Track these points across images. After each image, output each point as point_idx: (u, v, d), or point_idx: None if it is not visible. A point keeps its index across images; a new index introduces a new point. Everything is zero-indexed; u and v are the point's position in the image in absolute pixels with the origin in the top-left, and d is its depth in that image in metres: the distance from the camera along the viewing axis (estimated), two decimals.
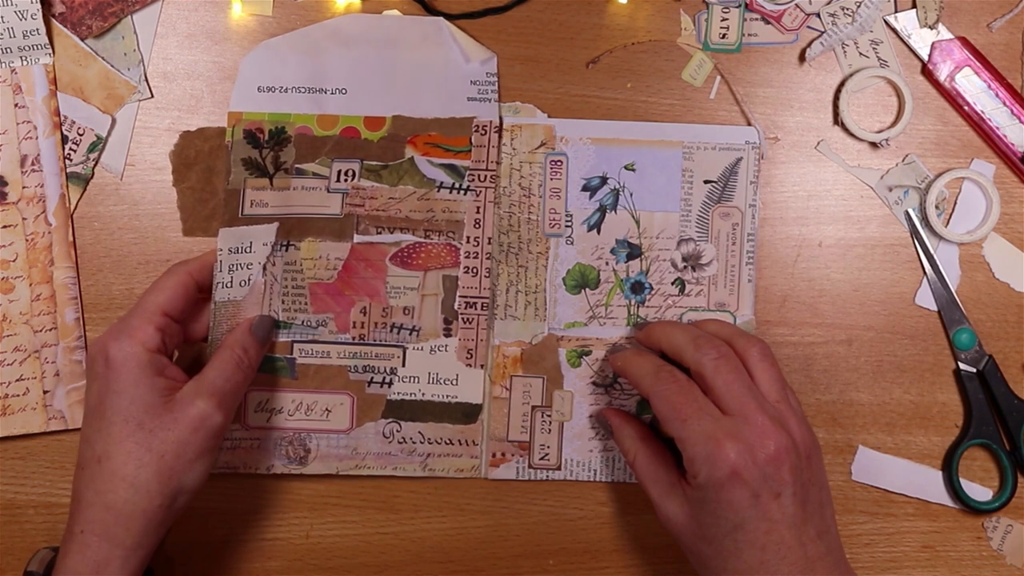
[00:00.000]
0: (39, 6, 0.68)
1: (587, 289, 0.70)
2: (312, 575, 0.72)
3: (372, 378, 0.68)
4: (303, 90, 0.68)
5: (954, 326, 0.71)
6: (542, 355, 0.70)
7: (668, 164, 0.70)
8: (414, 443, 0.68)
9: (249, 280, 0.67)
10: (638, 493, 0.71)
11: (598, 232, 0.70)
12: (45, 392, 0.70)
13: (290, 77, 0.68)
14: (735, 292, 0.70)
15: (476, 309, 0.68)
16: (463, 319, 0.68)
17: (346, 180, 0.67)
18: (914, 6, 0.71)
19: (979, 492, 0.71)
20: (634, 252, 0.70)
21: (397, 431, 0.68)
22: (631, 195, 0.70)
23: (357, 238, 0.68)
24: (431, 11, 0.70)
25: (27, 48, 0.69)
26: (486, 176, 0.68)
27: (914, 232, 0.71)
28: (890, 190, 0.71)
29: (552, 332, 0.70)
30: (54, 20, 0.69)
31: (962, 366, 0.71)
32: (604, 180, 0.70)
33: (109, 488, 0.59)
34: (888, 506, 0.72)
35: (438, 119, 0.68)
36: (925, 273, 0.71)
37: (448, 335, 0.68)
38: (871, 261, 0.72)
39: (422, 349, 0.68)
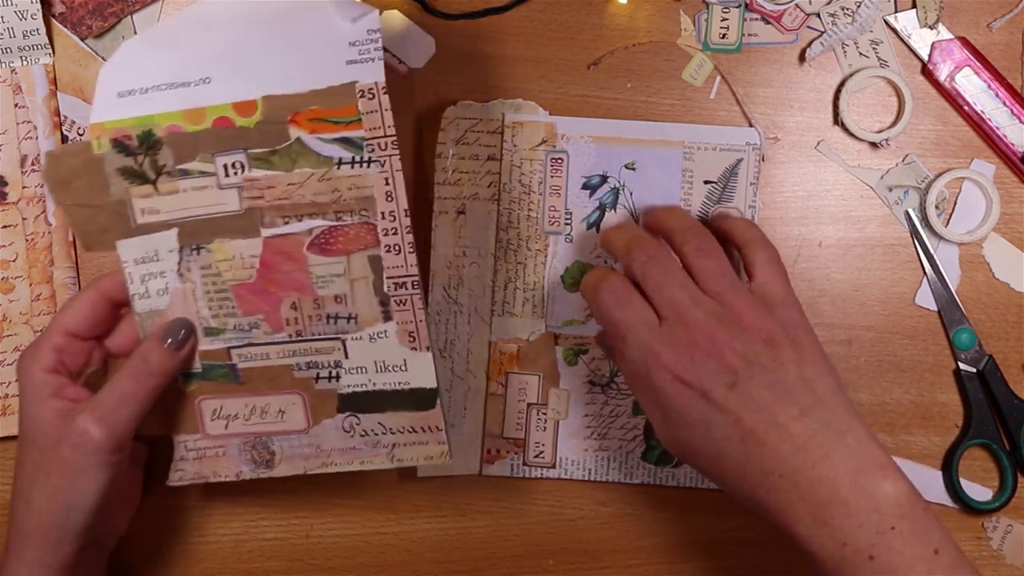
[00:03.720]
0: (39, 6, 0.68)
1: None
2: (312, 575, 0.72)
3: (318, 374, 0.64)
4: (165, 87, 0.62)
5: (954, 326, 0.71)
6: (539, 352, 0.70)
7: (668, 164, 0.70)
8: (376, 435, 0.65)
9: (167, 288, 0.63)
10: (637, 493, 0.71)
11: (597, 231, 0.70)
12: None
13: (150, 76, 0.62)
14: None
15: (408, 289, 0.62)
16: (396, 301, 0.62)
17: (235, 173, 0.62)
18: (914, 6, 0.71)
19: (979, 492, 0.71)
20: None
21: (356, 424, 0.64)
22: (631, 194, 0.70)
23: (265, 232, 0.62)
24: (431, 11, 0.70)
25: (27, 48, 0.69)
26: (386, 143, 0.61)
27: (914, 232, 0.71)
28: (890, 190, 0.71)
29: (549, 330, 0.70)
30: (54, 20, 0.69)
31: (962, 366, 0.71)
32: (604, 179, 0.70)
33: (14, 506, 0.61)
34: None
35: (315, 91, 0.61)
36: (925, 273, 0.71)
37: (388, 319, 0.63)
38: (871, 261, 0.72)
39: (362, 338, 0.63)
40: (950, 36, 0.71)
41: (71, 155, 0.63)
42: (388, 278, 0.62)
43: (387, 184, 0.61)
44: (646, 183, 0.70)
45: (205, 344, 0.63)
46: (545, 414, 0.71)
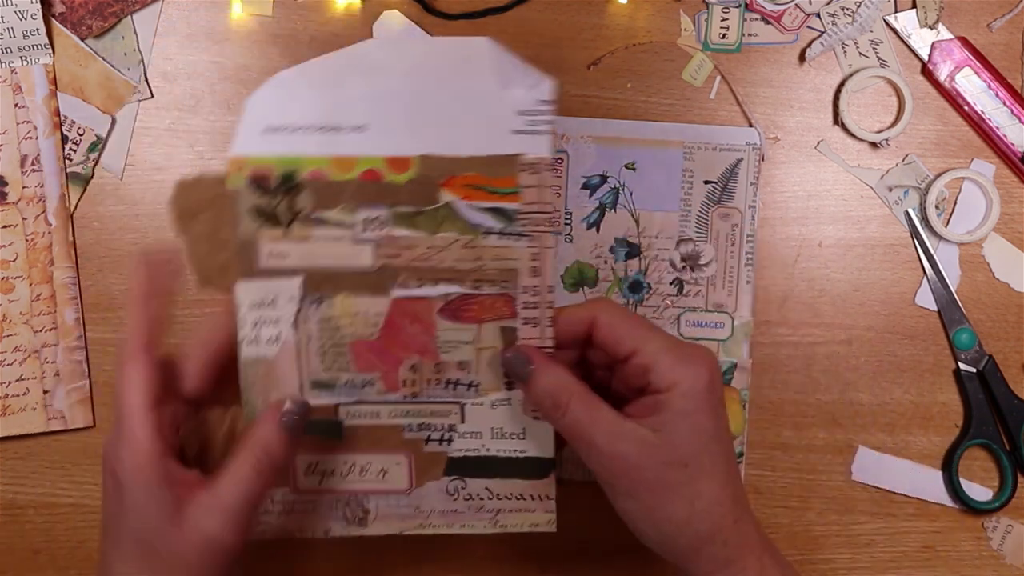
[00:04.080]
0: (39, 6, 0.68)
1: (585, 287, 0.70)
2: (313, 575, 0.72)
3: (429, 436, 0.60)
4: (316, 129, 0.58)
5: (954, 326, 0.71)
6: None
7: (668, 164, 0.70)
8: (482, 499, 0.61)
9: (279, 337, 0.59)
10: None
11: (597, 230, 0.70)
12: (45, 392, 0.70)
13: (301, 114, 0.58)
14: (733, 293, 0.70)
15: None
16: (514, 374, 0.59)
17: (374, 229, 0.58)
18: (914, 6, 0.71)
19: (979, 492, 0.71)
20: (633, 251, 0.70)
21: (462, 488, 0.61)
22: (631, 194, 0.70)
23: (397, 292, 0.59)
24: (431, 11, 0.70)
25: (27, 48, 0.69)
26: (541, 219, 0.57)
27: (914, 232, 0.71)
28: (890, 190, 0.71)
29: None
30: (54, 20, 0.69)
31: (962, 366, 0.71)
32: (604, 179, 0.70)
33: None
34: (888, 506, 0.72)
35: (476, 158, 0.57)
36: (925, 273, 0.71)
37: (511, 388, 0.60)
38: (871, 261, 0.72)
39: (482, 404, 0.60)
40: (950, 36, 0.71)
41: (203, 186, 0.59)
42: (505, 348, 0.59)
43: (534, 260, 0.58)
44: (646, 183, 0.70)
45: (311, 398, 0.60)
46: None
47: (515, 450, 0.61)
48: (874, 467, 0.71)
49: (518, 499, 0.62)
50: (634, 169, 0.70)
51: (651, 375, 0.55)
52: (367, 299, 0.59)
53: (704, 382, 0.54)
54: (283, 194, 0.58)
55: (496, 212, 0.58)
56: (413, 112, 0.58)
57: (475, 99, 0.58)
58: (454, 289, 0.59)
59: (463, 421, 0.61)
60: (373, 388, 0.60)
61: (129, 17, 0.70)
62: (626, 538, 0.72)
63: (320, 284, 0.59)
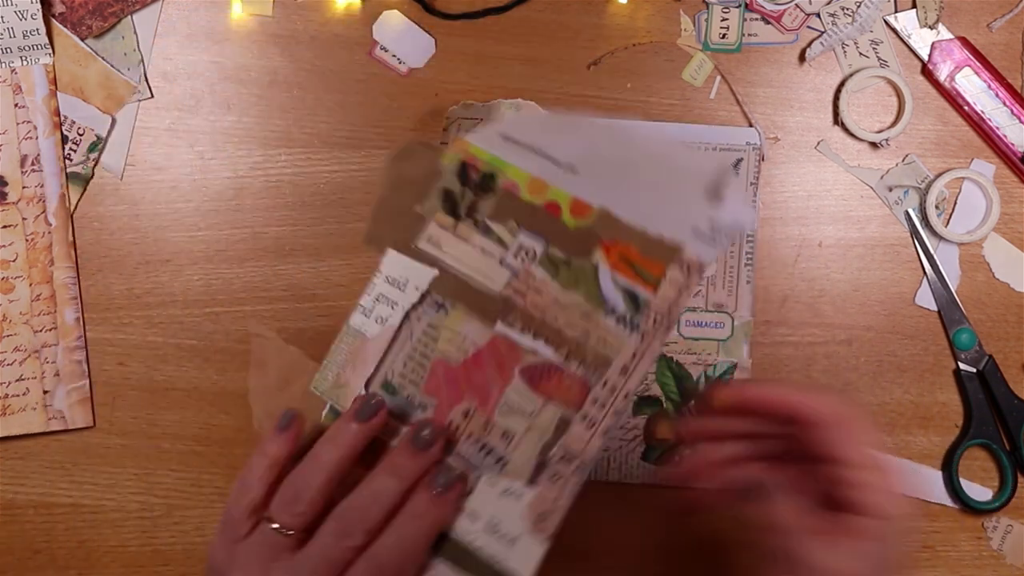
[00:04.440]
0: (39, 6, 0.68)
1: None
2: None
3: (435, 491, 0.55)
4: (538, 152, 0.57)
5: (954, 326, 0.71)
6: None
7: None
8: None
9: (387, 320, 0.57)
10: (637, 493, 0.71)
11: None
12: (45, 392, 0.70)
13: (535, 137, 0.57)
14: (733, 293, 0.70)
15: (570, 466, 0.54)
16: (552, 473, 0.54)
17: (523, 259, 0.56)
18: (914, 6, 0.71)
19: (979, 492, 0.71)
20: None
21: (429, 567, 0.55)
22: None
23: (500, 328, 0.55)
24: (431, 11, 0.70)
25: (27, 48, 0.69)
26: (663, 321, 0.53)
27: (914, 232, 0.71)
28: (890, 190, 0.71)
29: None
30: (54, 20, 0.69)
31: (962, 366, 0.71)
32: None
33: None
34: None
35: (644, 232, 0.53)
36: (925, 273, 0.71)
37: (532, 484, 0.54)
38: (871, 261, 0.72)
39: (496, 485, 0.55)
40: (950, 36, 0.71)
41: (423, 154, 0.59)
42: (562, 445, 0.54)
43: (633, 358, 0.54)
44: None
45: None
46: None
47: (495, 555, 0.54)
48: None
49: None
50: None
51: (855, 493, 0.52)
52: (475, 323, 0.56)
53: (909, 516, 0.52)
54: (475, 189, 0.57)
55: (629, 296, 0.54)
56: (615, 173, 0.56)
57: (677, 193, 0.55)
58: (547, 352, 0.55)
59: (471, 493, 0.55)
60: (425, 414, 0.57)
61: (129, 17, 0.70)
62: (629, 538, 0.72)
63: (449, 289, 0.57)
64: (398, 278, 0.58)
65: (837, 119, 0.71)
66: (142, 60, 0.70)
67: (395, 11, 0.70)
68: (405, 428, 0.56)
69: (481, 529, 0.54)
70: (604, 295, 0.54)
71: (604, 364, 0.54)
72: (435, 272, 0.57)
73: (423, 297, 0.57)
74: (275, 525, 0.53)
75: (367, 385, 0.57)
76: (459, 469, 0.54)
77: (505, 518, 0.54)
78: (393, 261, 0.58)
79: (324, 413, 0.58)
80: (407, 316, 0.57)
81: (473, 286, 0.56)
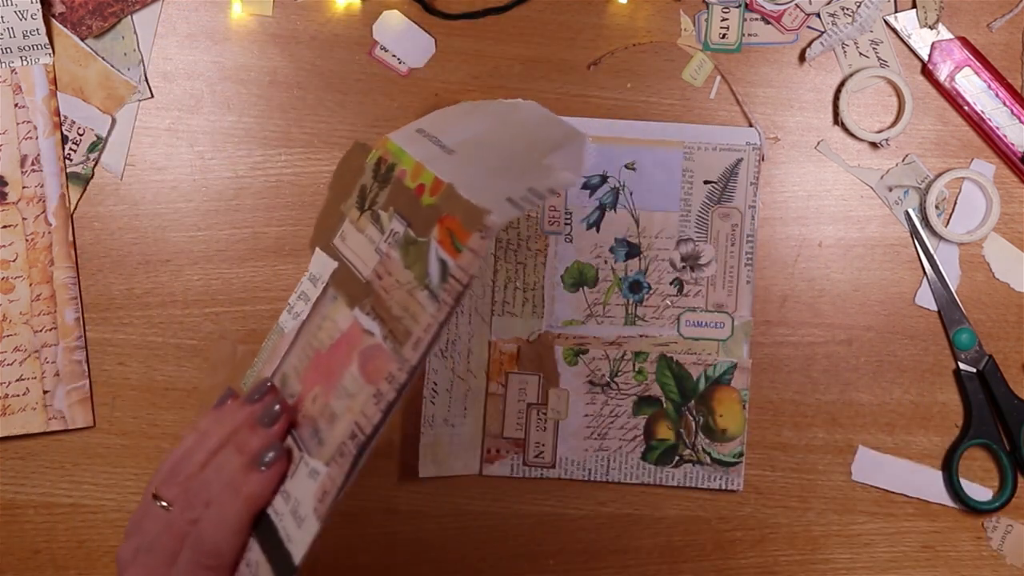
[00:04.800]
0: (39, 6, 0.68)
1: (585, 287, 0.70)
2: (312, 575, 0.72)
3: (255, 467, 0.54)
4: (435, 140, 0.57)
5: (954, 326, 0.71)
6: (539, 352, 0.70)
7: (668, 164, 0.70)
8: (248, 570, 0.53)
9: (300, 316, 0.58)
10: (636, 493, 0.71)
11: (597, 230, 0.70)
12: (45, 392, 0.70)
13: (439, 128, 0.58)
14: (733, 293, 0.70)
15: (355, 442, 0.51)
16: (339, 451, 0.51)
17: (388, 244, 0.54)
18: (914, 6, 0.71)
19: (979, 492, 0.71)
20: (633, 251, 0.70)
21: (248, 551, 0.53)
22: (631, 194, 0.70)
23: (356, 313, 0.54)
24: (431, 11, 0.70)
25: (27, 48, 0.69)
26: (455, 293, 0.50)
27: (914, 232, 0.71)
28: (890, 190, 0.71)
29: (549, 330, 0.70)
30: (54, 20, 0.69)
31: (962, 366, 0.71)
32: (604, 179, 0.70)
33: None
34: (888, 506, 0.72)
35: (467, 203, 0.50)
36: (925, 273, 0.71)
37: (328, 465, 0.52)
38: (871, 261, 0.72)
39: (307, 466, 0.53)
40: (950, 36, 0.71)
41: (356, 156, 0.59)
42: (353, 420, 0.52)
43: (424, 331, 0.51)
44: (646, 183, 0.70)
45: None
46: (545, 414, 0.71)
47: (287, 535, 0.52)
48: (874, 467, 0.71)
49: None
50: (634, 169, 0.70)
51: None
52: (345, 309, 0.56)
53: None
54: (381, 181, 0.57)
55: (442, 265, 0.51)
56: (481, 151, 0.56)
57: (521, 159, 0.55)
58: (378, 331, 0.53)
59: (292, 477, 0.53)
60: (292, 402, 0.56)
61: (129, 17, 0.70)
62: (629, 539, 0.72)
63: (340, 280, 0.57)
64: (317, 275, 0.58)
65: (837, 119, 0.71)
66: (142, 60, 0.70)
67: (395, 11, 0.70)
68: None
69: (288, 510, 0.53)
70: (428, 270, 0.52)
71: (406, 337, 0.51)
72: (335, 265, 0.57)
73: (325, 290, 0.57)
74: (162, 502, 0.53)
75: (274, 375, 0.58)
76: (284, 447, 0.54)
77: (303, 499, 0.52)
78: (317, 260, 0.59)
79: None
80: (313, 309, 0.57)
81: (354, 274, 0.56)
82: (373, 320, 0.53)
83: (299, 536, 0.51)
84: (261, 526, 0.53)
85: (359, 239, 0.57)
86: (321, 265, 0.58)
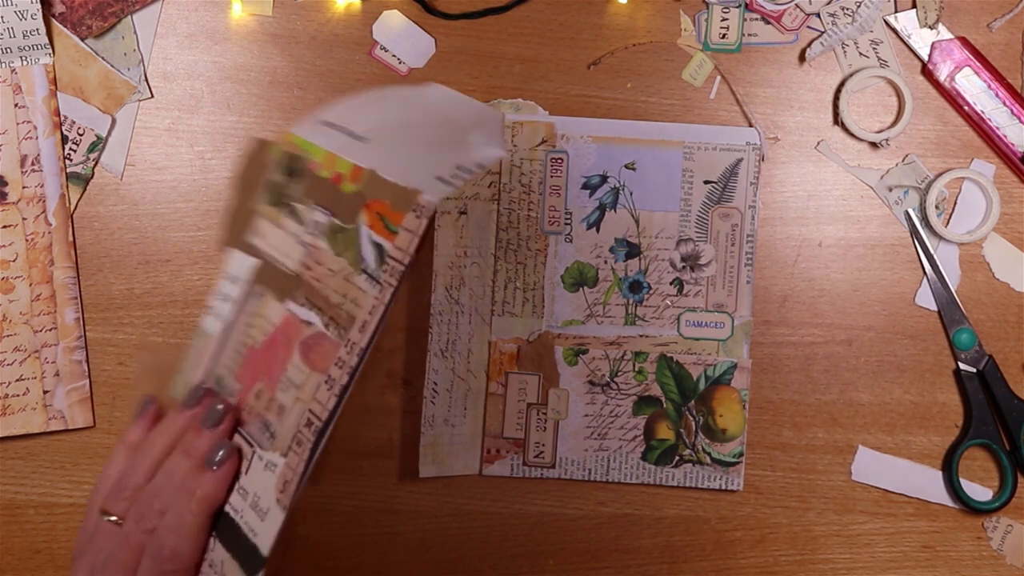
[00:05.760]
0: (39, 6, 0.68)
1: (585, 287, 0.70)
2: (312, 574, 0.72)
3: (206, 467, 0.55)
4: (343, 130, 0.58)
5: (954, 326, 0.71)
6: (539, 352, 0.70)
7: (668, 164, 0.70)
8: (214, 572, 0.54)
9: (224, 317, 0.59)
10: (636, 493, 0.71)
11: (597, 230, 0.70)
12: (45, 392, 0.70)
13: (346, 118, 0.58)
14: (733, 293, 0.70)
15: (311, 429, 0.52)
16: (296, 440, 0.52)
17: (312, 234, 0.56)
18: (914, 6, 0.71)
19: (979, 492, 0.71)
20: (633, 251, 0.70)
21: (211, 549, 0.54)
22: (631, 194, 0.70)
23: (289, 305, 0.55)
24: (431, 11, 0.70)
25: (27, 48, 0.69)
26: (396, 272, 0.51)
27: (914, 232, 0.71)
28: (890, 190, 0.71)
29: (549, 330, 0.70)
30: (54, 20, 0.69)
31: (962, 366, 0.71)
32: (604, 179, 0.70)
33: None
34: (888, 506, 0.72)
35: (393, 185, 0.52)
36: (925, 273, 0.71)
37: (285, 455, 0.53)
38: (871, 261, 0.72)
39: (262, 460, 0.54)
40: (950, 36, 0.71)
41: (258, 154, 0.60)
42: (308, 408, 0.53)
43: (370, 314, 0.52)
44: (646, 183, 0.70)
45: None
46: (545, 414, 0.71)
47: (251, 530, 0.53)
48: (874, 467, 0.71)
49: None
50: (634, 169, 0.70)
51: None
52: (275, 303, 0.56)
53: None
54: (291, 175, 0.58)
55: (377, 248, 0.53)
56: (394, 139, 0.57)
57: (443, 140, 0.56)
58: (317, 321, 0.54)
59: (246, 473, 0.54)
60: (234, 400, 0.57)
61: (129, 17, 0.70)
62: (629, 539, 0.72)
63: (265, 276, 0.58)
64: (236, 275, 0.59)
65: (837, 119, 0.71)
66: (142, 60, 0.70)
67: (395, 11, 0.70)
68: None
69: (248, 505, 0.53)
70: (362, 254, 0.53)
71: (350, 322, 0.53)
72: (257, 262, 0.58)
73: (248, 288, 0.58)
74: (111, 517, 0.54)
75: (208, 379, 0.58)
76: (233, 445, 0.55)
77: (263, 492, 0.53)
78: (233, 259, 0.59)
79: None
80: (238, 309, 0.58)
81: (279, 269, 0.57)
82: (310, 310, 0.54)
83: (264, 528, 0.52)
84: (220, 526, 0.54)
85: (277, 234, 0.57)
86: (239, 264, 0.59)
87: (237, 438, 0.56)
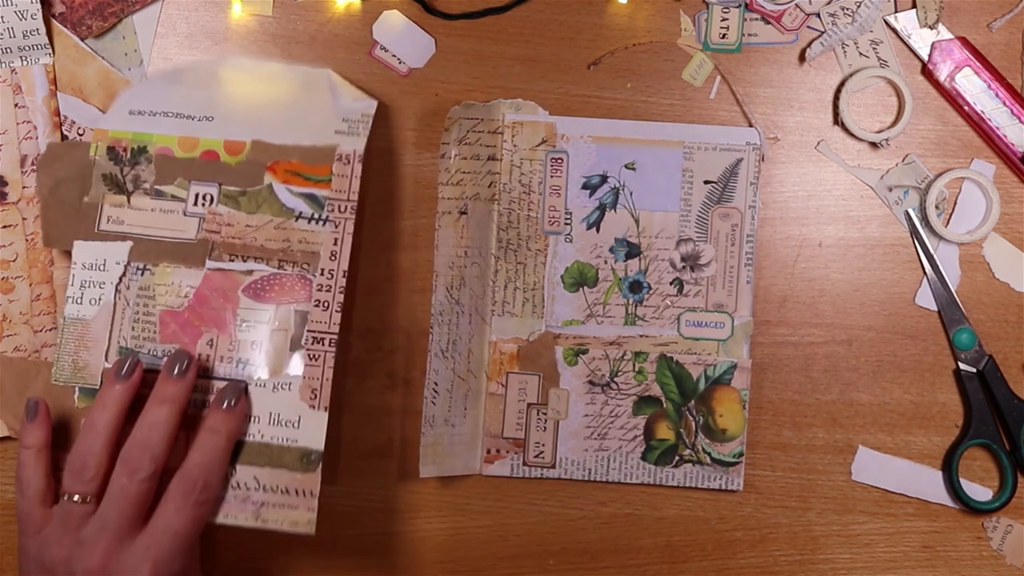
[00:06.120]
0: (39, 6, 0.68)
1: (585, 287, 0.70)
2: (312, 574, 0.72)
3: (225, 406, 0.63)
4: (171, 115, 0.67)
5: (954, 326, 0.71)
6: (539, 352, 0.70)
7: (669, 164, 0.70)
8: (248, 489, 0.63)
9: (100, 299, 0.65)
10: (636, 493, 0.71)
11: (597, 230, 0.70)
12: None
13: (161, 103, 0.67)
14: (733, 293, 0.70)
15: (324, 345, 0.64)
16: (310, 355, 0.64)
17: (204, 204, 0.66)
18: (914, 6, 0.71)
19: (979, 492, 0.71)
20: (633, 251, 0.70)
21: (232, 474, 0.63)
22: (631, 194, 0.70)
23: (210, 264, 0.65)
24: (431, 11, 0.70)
25: (27, 48, 0.69)
26: (346, 207, 0.65)
27: (914, 232, 0.71)
28: (890, 190, 0.71)
29: (549, 330, 0.70)
30: (54, 20, 0.69)
31: (962, 366, 0.71)
32: (604, 179, 0.70)
33: None
34: (888, 506, 0.72)
35: (299, 146, 0.66)
36: (925, 273, 0.71)
37: (296, 372, 0.64)
38: (871, 261, 0.72)
39: (264, 386, 0.64)
40: (950, 36, 0.71)
41: (68, 153, 0.67)
42: (309, 331, 0.64)
43: (335, 244, 0.65)
44: (646, 183, 0.70)
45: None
46: (545, 414, 0.71)
47: (288, 439, 0.64)
48: (874, 467, 0.71)
49: (283, 493, 0.63)
50: (634, 169, 0.70)
51: None
52: (183, 270, 0.65)
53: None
54: (132, 165, 0.66)
55: (309, 198, 0.66)
56: (253, 109, 0.67)
57: (306, 105, 0.67)
58: (260, 268, 0.65)
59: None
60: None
61: (129, 17, 0.70)
62: (629, 539, 0.72)
63: (146, 253, 0.66)
64: (94, 262, 0.65)
65: (837, 119, 0.71)
66: (142, 60, 0.70)
67: (395, 11, 0.70)
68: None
69: (265, 425, 0.64)
70: (287, 206, 0.66)
71: (314, 257, 0.65)
72: (129, 244, 0.65)
73: (126, 268, 0.65)
74: (75, 498, 0.59)
75: (107, 356, 0.65)
76: (241, 384, 0.64)
77: (284, 408, 0.64)
78: (83, 250, 0.65)
79: (76, 397, 0.65)
80: (117, 289, 0.65)
81: (168, 242, 0.66)
82: (245, 262, 0.65)
83: (307, 432, 0.63)
84: (242, 455, 0.63)
85: (145, 215, 0.66)
86: (95, 252, 0.65)
87: (213, 384, 0.64)
